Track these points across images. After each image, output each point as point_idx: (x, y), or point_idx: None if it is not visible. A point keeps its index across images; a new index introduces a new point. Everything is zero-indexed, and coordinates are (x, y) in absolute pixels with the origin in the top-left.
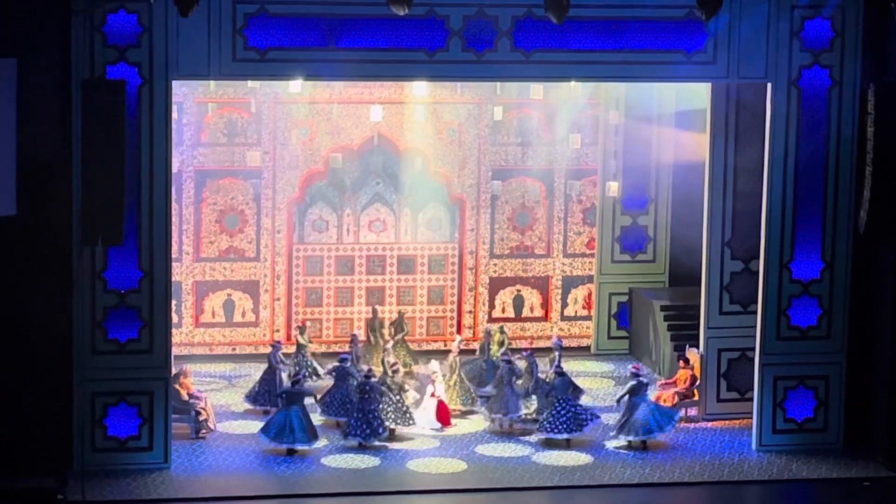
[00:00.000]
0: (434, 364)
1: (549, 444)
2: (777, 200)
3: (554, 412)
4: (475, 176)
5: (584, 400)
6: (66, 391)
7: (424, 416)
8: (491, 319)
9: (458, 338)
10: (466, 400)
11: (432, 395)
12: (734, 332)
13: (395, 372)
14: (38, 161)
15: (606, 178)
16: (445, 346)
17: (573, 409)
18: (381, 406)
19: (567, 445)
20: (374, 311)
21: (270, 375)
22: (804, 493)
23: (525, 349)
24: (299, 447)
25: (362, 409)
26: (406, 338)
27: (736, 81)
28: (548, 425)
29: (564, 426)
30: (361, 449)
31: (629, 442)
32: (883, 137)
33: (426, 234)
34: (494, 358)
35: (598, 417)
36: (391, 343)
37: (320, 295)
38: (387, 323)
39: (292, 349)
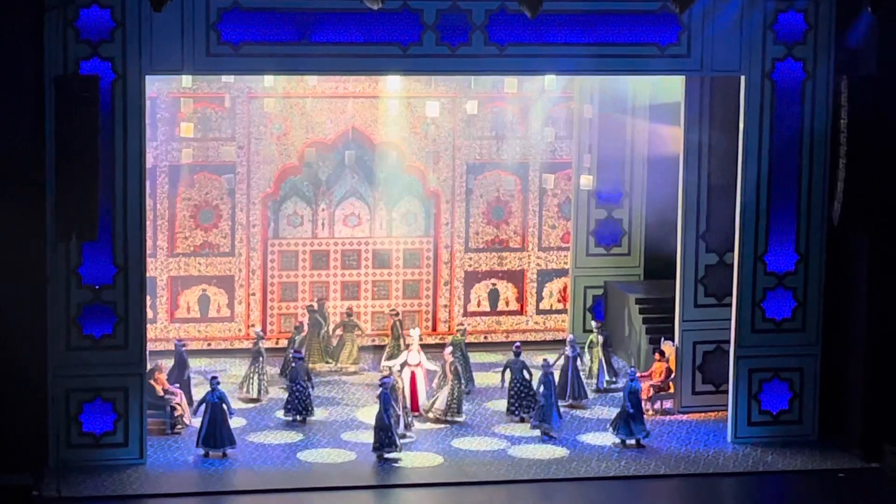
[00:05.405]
0: (415, 332)
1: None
2: (751, 193)
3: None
4: (450, 170)
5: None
6: (40, 387)
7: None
8: (466, 313)
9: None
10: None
11: (406, 363)
12: (709, 324)
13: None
14: (12, 156)
15: (581, 172)
16: (420, 339)
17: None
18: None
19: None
20: (321, 303)
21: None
22: (779, 485)
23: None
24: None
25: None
26: (366, 333)
27: (710, 74)
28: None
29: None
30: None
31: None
32: (856, 130)
33: (401, 228)
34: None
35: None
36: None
37: (295, 290)
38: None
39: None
